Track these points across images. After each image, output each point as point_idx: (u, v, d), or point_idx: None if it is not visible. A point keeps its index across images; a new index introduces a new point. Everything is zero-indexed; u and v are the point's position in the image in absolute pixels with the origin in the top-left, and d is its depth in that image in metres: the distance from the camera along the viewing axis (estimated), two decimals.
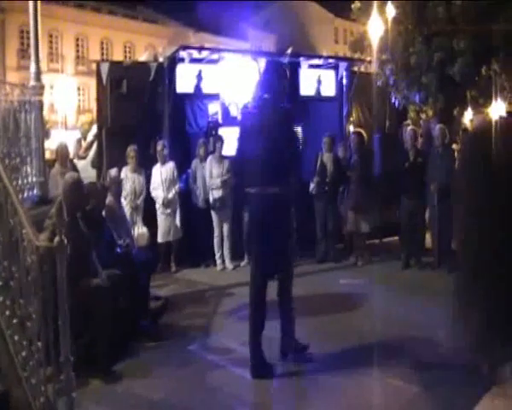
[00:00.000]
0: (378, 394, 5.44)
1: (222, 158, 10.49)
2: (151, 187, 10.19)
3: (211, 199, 10.39)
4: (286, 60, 12.40)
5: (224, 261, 10.54)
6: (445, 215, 9.38)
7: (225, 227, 10.49)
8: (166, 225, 10.19)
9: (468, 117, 16.90)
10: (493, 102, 13.30)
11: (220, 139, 10.70)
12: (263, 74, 6.46)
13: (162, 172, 10.16)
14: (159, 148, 10.23)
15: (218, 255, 10.51)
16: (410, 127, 11.24)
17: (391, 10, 12.74)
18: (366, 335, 6.73)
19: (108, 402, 5.32)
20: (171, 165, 10.26)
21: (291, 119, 6.37)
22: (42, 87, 7.81)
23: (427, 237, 10.62)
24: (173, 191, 10.19)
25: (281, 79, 6.23)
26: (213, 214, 10.44)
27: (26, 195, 7.41)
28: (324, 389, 5.55)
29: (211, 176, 10.35)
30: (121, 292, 6.44)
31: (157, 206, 10.21)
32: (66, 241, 4.16)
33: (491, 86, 13.17)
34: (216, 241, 10.47)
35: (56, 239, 4.14)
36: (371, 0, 12.99)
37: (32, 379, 4.16)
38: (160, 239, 10.15)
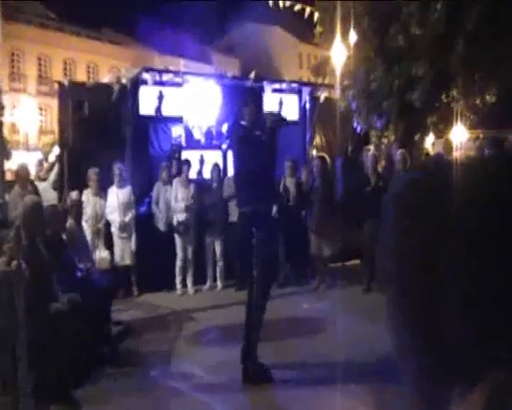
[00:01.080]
0: None
1: (188, 182, 10.46)
2: (107, 210, 10.03)
3: (174, 222, 10.32)
4: (249, 84, 12.51)
5: (185, 285, 10.47)
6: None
7: (188, 251, 10.42)
8: (123, 248, 10.08)
9: (429, 142, 17.16)
10: (453, 128, 13.55)
11: (187, 163, 10.66)
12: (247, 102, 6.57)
13: (119, 196, 10.03)
14: (116, 171, 10.06)
15: (178, 280, 10.43)
16: (371, 152, 11.38)
17: (353, 36, 12.92)
18: (328, 359, 6.73)
19: None
20: (128, 189, 10.15)
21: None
22: (2, 107, 7.74)
23: None
24: (130, 215, 10.08)
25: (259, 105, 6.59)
26: (177, 238, 10.36)
27: None
28: None
29: (176, 199, 10.29)
30: (81, 317, 6.34)
31: (113, 229, 10.07)
32: (24, 265, 4.09)
33: (451, 113, 13.42)
34: (178, 265, 10.39)
35: (14, 264, 4.08)
36: (333, 25, 13.15)
37: None
38: (116, 262, 10.00)
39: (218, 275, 10.73)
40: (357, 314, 8.50)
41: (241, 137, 6.48)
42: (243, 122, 6.48)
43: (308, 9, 14.05)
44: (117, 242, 10.06)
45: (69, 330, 5.91)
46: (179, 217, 10.29)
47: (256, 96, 6.73)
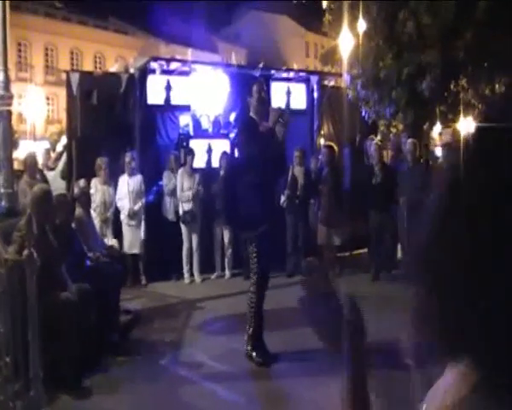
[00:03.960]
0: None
1: (193, 171, 10.46)
2: (117, 197, 10.08)
3: (180, 212, 10.33)
4: (257, 73, 12.47)
5: (192, 274, 10.49)
6: (415, 229, 9.50)
7: (194, 240, 10.43)
8: (131, 236, 10.10)
9: (436, 131, 17.12)
10: (461, 117, 13.48)
11: (191, 152, 10.66)
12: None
13: (129, 184, 10.06)
14: (127, 159, 10.11)
15: (186, 269, 10.44)
16: (374, 142, 11.29)
17: (362, 25, 12.85)
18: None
19: None
20: (138, 177, 10.18)
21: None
22: (10, 97, 7.68)
23: (399, 250, 10.71)
24: (139, 203, 10.11)
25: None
26: (183, 227, 10.37)
27: None
28: (293, 402, 5.56)
29: (182, 189, 10.29)
30: (90, 306, 6.35)
31: (122, 217, 10.09)
32: (35, 254, 4.10)
33: (460, 102, 13.36)
34: (184, 254, 10.41)
35: (25, 252, 4.08)
36: (341, 13, 13.07)
37: (1, 395, 4.08)
38: (125, 251, 10.01)
39: (226, 264, 10.74)
40: (365, 303, 8.45)
41: (249, 130, 6.46)
42: (252, 114, 6.47)
43: None
44: (126, 229, 10.09)
45: (79, 319, 5.93)
46: (185, 206, 10.30)
47: (263, 87, 6.68)
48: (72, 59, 44.41)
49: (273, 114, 6.40)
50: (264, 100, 6.54)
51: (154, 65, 11.53)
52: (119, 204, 10.07)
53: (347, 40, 12.58)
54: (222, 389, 5.80)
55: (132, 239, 10.09)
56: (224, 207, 6.89)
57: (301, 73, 14.13)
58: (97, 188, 9.75)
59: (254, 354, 6.32)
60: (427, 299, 0.85)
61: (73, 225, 7.31)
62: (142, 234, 10.18)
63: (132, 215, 10.04)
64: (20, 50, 40.80)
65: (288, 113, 6.85)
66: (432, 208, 0.88)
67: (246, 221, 6.33)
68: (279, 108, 6.76)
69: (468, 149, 0.85)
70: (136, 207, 10.07)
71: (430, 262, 0.83)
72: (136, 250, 10.14)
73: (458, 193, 0.82)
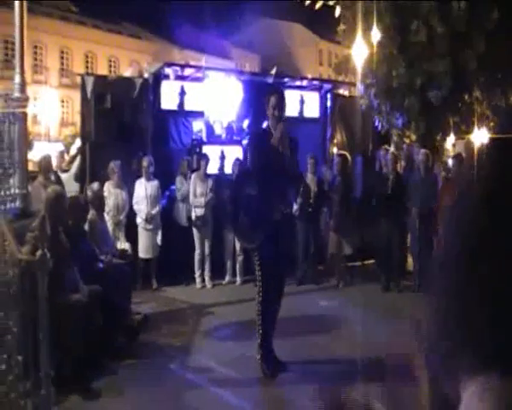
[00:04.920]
0: None
1: (206, 176, 10.49)
2: (134, 201, 10.11)
3: (193, 217, 10.36)
4: (270, 80, 12.52)
5: (203, 280, 10.50)
6: (426, 239, 9.51)
7: (206, 245, 10.46)
8: (148, 241, 10.12)
9: (450, 143, 17.06)
10: (475, 129, 13.44)
11: (206, 157, 10.68)
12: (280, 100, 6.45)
13: (147, 188, 10.10)
14: (145, 164, 10.16)
15: (197, 273, 10.46)
16: (390, 151, 11.29)
17: (376, 34, 12.85)
18: (344, 357, 6.72)
19: None
20: (155, 182, 10.22)
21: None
22: (26, 99, 7.75)
23: (409, 260, 10.69)
24: (157, 208, 10.15)
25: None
26: (195, 232, 10.40)
27: (7, 206, 7.33)
28: None
29: (194, 194, 10.32)
30: (100, 308, 6.39)
31: (138, 220, 10.12)
32: (48, 255, 4.14)
33: (473, 113, 13.32)
34: (197, 259, 10.42)
35: (38, 253, 4.12)
36: (355, 23, 13.07)
37: (12, 394, 4.11)
38: (140, 255, 10.06)
39: (237, 270, 10.74)
40: (375, 313, 8.47)
41: (262, 140, 6.42)
42: (269, 124, 6.44)
43: (331, 3, 13.96)
44: (142, 233, 10.11)
45: (89, 321, 5.97)
46: (198, 212, 10.32)
47: (280, 100, 6.52)
48: (86, 62, 44.65)
49: (278, 127, 6.32)
50: (280, 115, 6.39)
51: (167, 70, 11.60)
52: (135, 207, 10.11)
53: (361, 49, 12.58)
54: (229, 395, 5.82)
55: (148, 243, 10.12)
56: (230, 215, 6.85)
57: (315, 82, 14.16)
58: (110, 191, 9.79)
59: (263, 364, 6.29)
60: (458, 311, 0.84)
61: (86, 227, 7.36)
62: (159, 239, 10.22)
63: (150, 219, 10.08)
64: (35, 53, 41.07)
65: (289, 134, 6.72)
66: (460, 222, 0.87)
67: (246, 231, 6.33)
68: (284, 121, 6.57)
69: (486, 161, 0.85)
70: (154, 212, 10.11)
71: (467, 276, 0.83)
72: (151, 255, 10.18)
73: (485, 206, 0.82)
